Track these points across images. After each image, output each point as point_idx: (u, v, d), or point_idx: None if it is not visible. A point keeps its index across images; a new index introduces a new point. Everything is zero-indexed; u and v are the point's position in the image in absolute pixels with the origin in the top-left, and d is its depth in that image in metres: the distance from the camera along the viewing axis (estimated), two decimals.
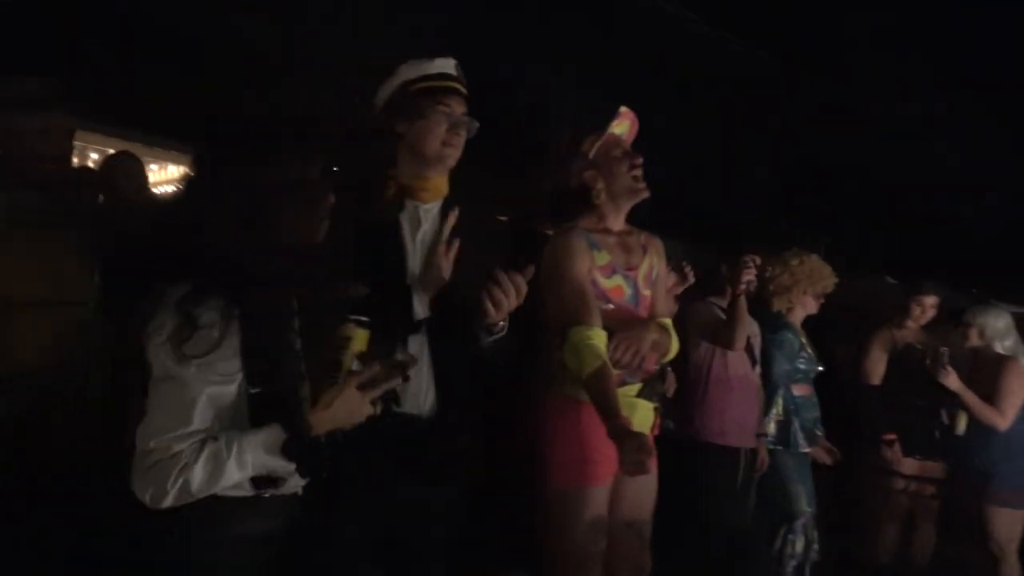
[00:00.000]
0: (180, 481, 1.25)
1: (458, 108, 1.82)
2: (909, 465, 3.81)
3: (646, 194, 2.29)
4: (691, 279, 3.21)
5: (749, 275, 3.30)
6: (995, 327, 3.78)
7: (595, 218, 2.27)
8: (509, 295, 1.63)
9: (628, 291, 2.24)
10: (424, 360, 1.74)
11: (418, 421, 1.74)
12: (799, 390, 3.69)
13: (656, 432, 2.30)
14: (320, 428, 1.32)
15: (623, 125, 2.27)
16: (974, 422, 3.66)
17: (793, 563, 3.48)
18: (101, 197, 2.88)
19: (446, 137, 1.79)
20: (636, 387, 2.21)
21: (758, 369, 3.51)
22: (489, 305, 1.62)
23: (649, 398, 2.23)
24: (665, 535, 2.49)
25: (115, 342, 1.37)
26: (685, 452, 3.28)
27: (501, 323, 1.72)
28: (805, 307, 3.76)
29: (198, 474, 1.25)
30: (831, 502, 4.15)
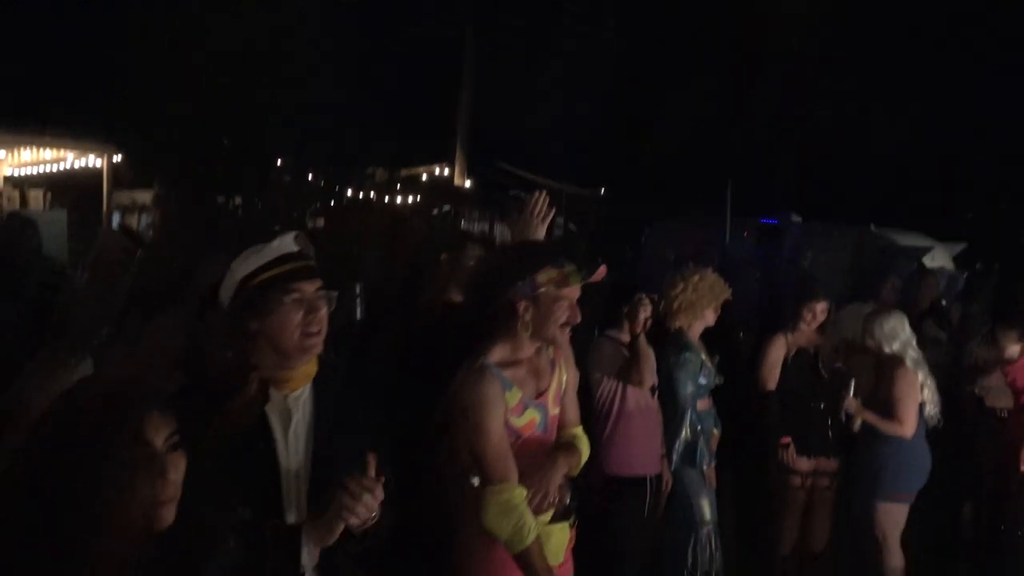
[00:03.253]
0: None
1: (310, 287, 1.68)
2: (805, 463, 4.05)
3: (563, 346, 2.26)
4: None
5: (646, 312, 3.41)
6: (882, 330, 3.91)
7: (509, 347, 2.17)
8: (365, 501, 1.53)
9: (539, 419, 2.20)
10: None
11: None
12: (701, 405, 3.81)
13: (572, 544, 2.29)
14: None
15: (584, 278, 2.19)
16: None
17: (701, 573, 3.67)
18: None
19: (305, 325, 1.66)
20: (548, 514, 2.16)
21: (656, 396, 3.62)
22: (347, 515, 1.52)
23: (564, 519, 2.21)
24: (581, 569, 2.59)
25: None
26: (594, 487, 3.40)
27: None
28: (705, 320, 3.86)
29: None
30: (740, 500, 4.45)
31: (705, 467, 3.76)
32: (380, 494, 1.54)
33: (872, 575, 3.98)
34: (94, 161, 9.03)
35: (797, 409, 4.06)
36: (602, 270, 2.28)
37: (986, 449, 4.38)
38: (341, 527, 1.55)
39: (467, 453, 2.10)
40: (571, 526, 2.26)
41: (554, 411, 2.24)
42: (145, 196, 9.24)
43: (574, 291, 2.18)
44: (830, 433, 4.04)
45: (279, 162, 9.42)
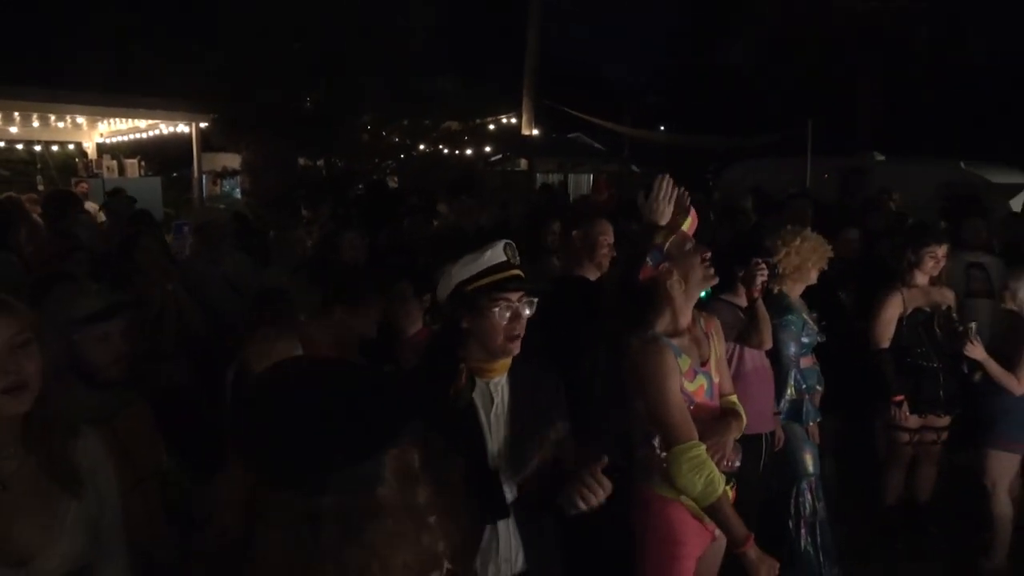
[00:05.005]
0: None
1: (515, 295, 1.87)
2: (914, 420, 4.10)
3: (716, 280, 2.38)
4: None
5: (763, 276, 3.46)
6: None
7: (669, 317, 2.34)
8: (598, 494, 1.72)
9: (707, 386, 2.38)
10: (511, 527, 1.89)
11: None
12: (804, 362, 3.87)
13: (733, 502, 2.45)
14: None
15: (689, 221, 2.33)
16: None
17: (807, 522, 3.80)
18: None
19: (509, 327, 1.86)
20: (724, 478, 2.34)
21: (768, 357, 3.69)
22: (580, 502, 1.72)
23: (729, 482, 2.39)
24: None
25: None
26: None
27: None
28: (808, 281, 3.85)
29: None
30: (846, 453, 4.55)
31: (810, 423, 3.84)
32: (607, 490, 1.72)
33: (978, 521, 4.05)
34: (183, 128, 9.38)
35: (909, 367, 4.08)
36: (693, 214, 2.47)
37: None
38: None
39: (648, 419, 2.27)
40: (731, 488, 2.42)
41: (716, 378, 2.41)
42: (233, 160, 9.55)
43: (688, 234, 2.40)
44: (941, 392, 4.06)
45: (355, 121, 9.56)
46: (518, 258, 1.90)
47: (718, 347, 2.48)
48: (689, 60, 18.88)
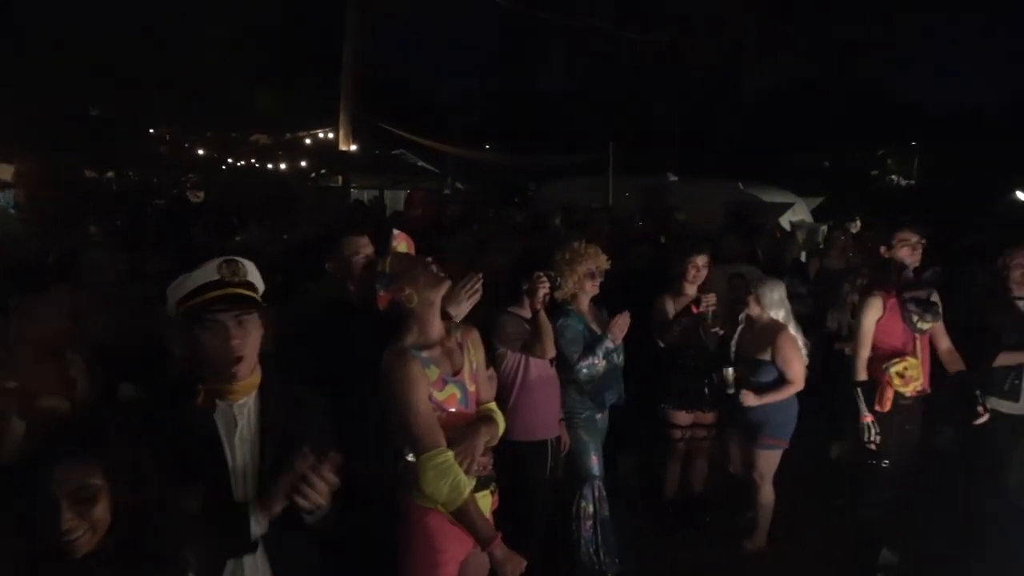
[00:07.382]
0: None
1: (226, 316, 1.78)
2: (684, 418, 4.50)
3: (449, 282, 2.48)
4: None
5: (544, 289, 3.64)
6: (771, 298, 4.25)
7: (416, 330, 2.42)
8: (319, 489, 1.69)
9: (459, 395, 2.46)
10: (259, 556, 1.81)
11: None
12: (591, 369, 4.04)
13: (495, 509, 2.57)
14: None
15: (402, 245, 2.41)
16: (742, 381, 4.23)
17: (589, 522, 4.00)
18: None
19: (221, 348, 1.78)
20: (473, 480, 2.43)
21: (554, 365, 3.88)
22: (301, 502, 1.69)
23: (485, 487, 2.51)
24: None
25: None
26: (499, 453, 3.65)
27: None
28: (585, 291, 4.08)
29: None
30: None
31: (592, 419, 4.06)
32: (330, 479, 1.70)
33: (746, 509, 4.50)
34: None
35: (679, 367, 4.46)
36: (397, 234, 2.70)
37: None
38: (282, 502, 1.73)
39: (399, 431, 2.33)
40: (492, 493, 2.54)
41: (471, 388, 2.51)
42: (6, 172, 8.56)
43: (407, 252, 2.61)
44: (706, 390, 4.46)
45: (152, 131, 8.94)
46: (240, 275, 1.83)
47: (475, 357, 2.57)
48: (512, 82, 19.63)
